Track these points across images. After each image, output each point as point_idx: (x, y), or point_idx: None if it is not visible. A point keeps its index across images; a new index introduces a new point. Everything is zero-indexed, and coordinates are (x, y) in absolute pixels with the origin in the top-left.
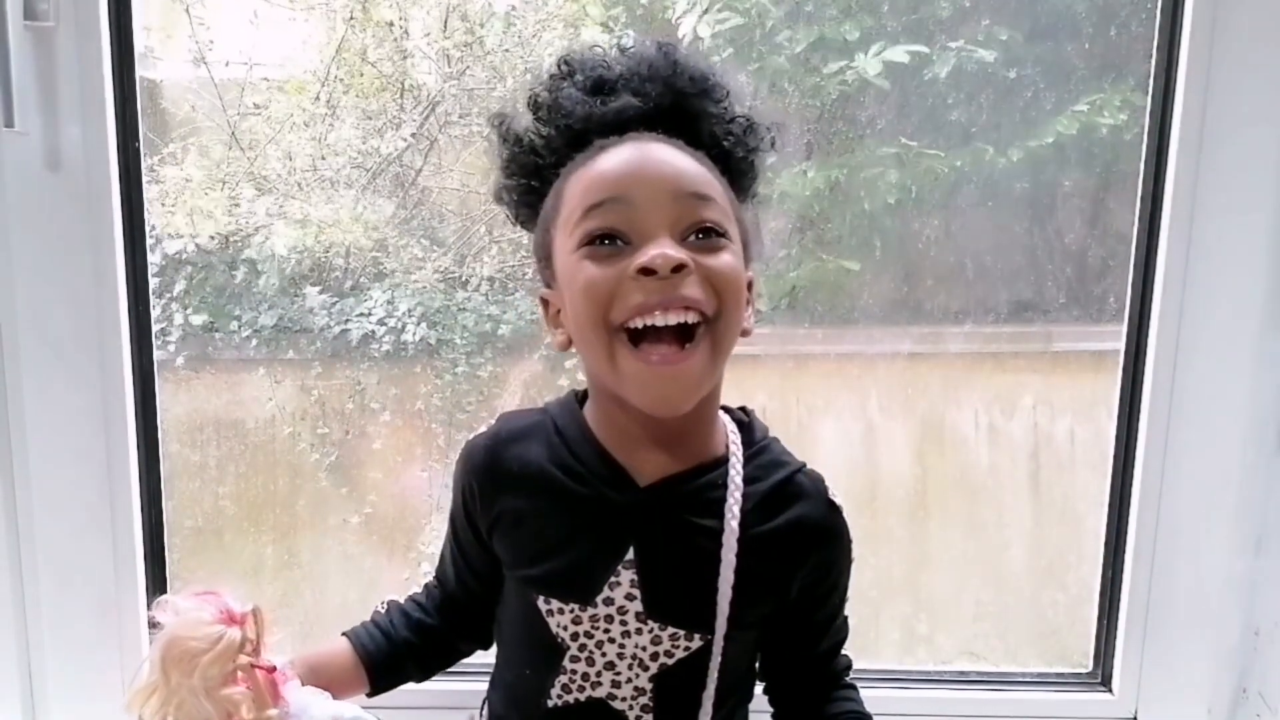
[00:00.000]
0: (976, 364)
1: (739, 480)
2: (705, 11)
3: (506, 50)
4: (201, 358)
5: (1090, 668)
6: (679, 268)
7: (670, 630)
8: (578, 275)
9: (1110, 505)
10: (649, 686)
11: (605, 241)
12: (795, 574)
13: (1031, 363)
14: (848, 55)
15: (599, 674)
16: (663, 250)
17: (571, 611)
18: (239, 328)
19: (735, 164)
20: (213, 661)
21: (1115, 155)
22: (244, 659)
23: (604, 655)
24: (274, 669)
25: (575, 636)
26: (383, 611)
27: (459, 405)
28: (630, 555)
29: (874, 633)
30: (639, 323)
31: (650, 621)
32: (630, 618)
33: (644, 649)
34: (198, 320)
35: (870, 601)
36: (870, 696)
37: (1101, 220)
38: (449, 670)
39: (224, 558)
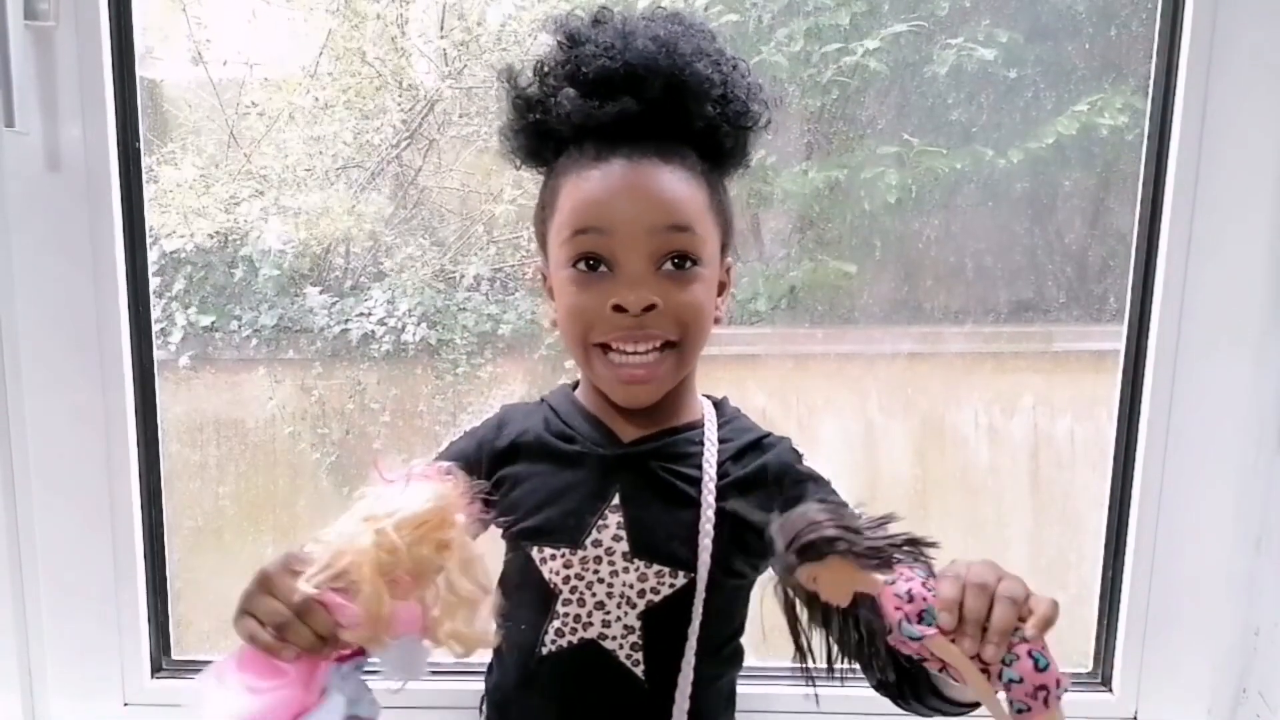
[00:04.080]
0: (976, 364)
1: (714, 437)
2: (705, 9)
3: (504, 49)
4: (202, 357)
5: (1090, 668)
6: (649, 307)
7: (655, 568)
8: (564, 296)
9: (1110, 505)
10: (638, 625)
11: (590, 264)
12: (771, 513)
13: (1032, 363)
14: (844, 44)
15: (589, 614)
16: (636, 291)
17: (563, 556)
18: (239, 327)
19: (725, 149)
20: (471, 560)
21: (1115, 155)
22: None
23: (594, 596)
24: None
25: (567, 580)
26: None
27: (459, 405)
28: (616, 500)
29: None
30: (613, 344)
31: (636, 560)
32: (617, 558)
33: (631, 587)
34: (198, 320)
35: None
36: (870, 697)
37: (1101, 220)
38: (449, 671)
39: (224, 558)
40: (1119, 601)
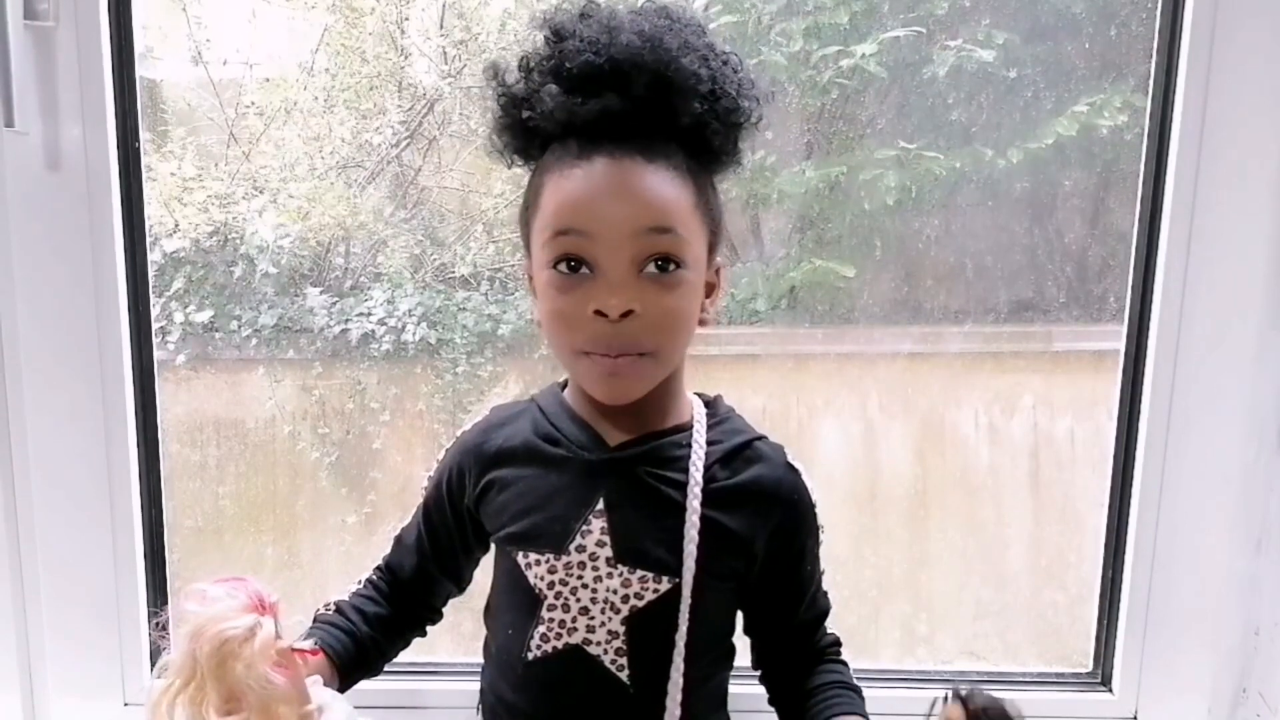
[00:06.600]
0: (976, 364)
1: (702, 440)
2: (704, 10)
3: (504, 49)
4: (202, 357)
5: (1090, 668)
6: (628, 313)
7: (639, 573)
8: (546, 299)
9: (1110, 505)
10: (622, 629)
11: (571, 265)
12: (759, 530)
13: (1031, 362)
14: (843, 45)
15: (574, 619)
16: (617, 296)
17: (547, 561)
18: (239, 327)
19: (714, 146)
20: (260, 651)
21: (1115, 155)
22: (284, 644)
23: (578, 601)
24: (319, 652)
25: (551, 585)
26: (331, 612)
27: (459, 405)
28: (600, 505)
29: (874, 633)
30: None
31: (620, 565)
32: (601, 563)
33: (615, 592)
34: (198, 319)
35: (870, 601)
36: (870, 696)
37: (1101, 220)
38: (449, 671)
39: (224, 558)
40: (1119, 601)
